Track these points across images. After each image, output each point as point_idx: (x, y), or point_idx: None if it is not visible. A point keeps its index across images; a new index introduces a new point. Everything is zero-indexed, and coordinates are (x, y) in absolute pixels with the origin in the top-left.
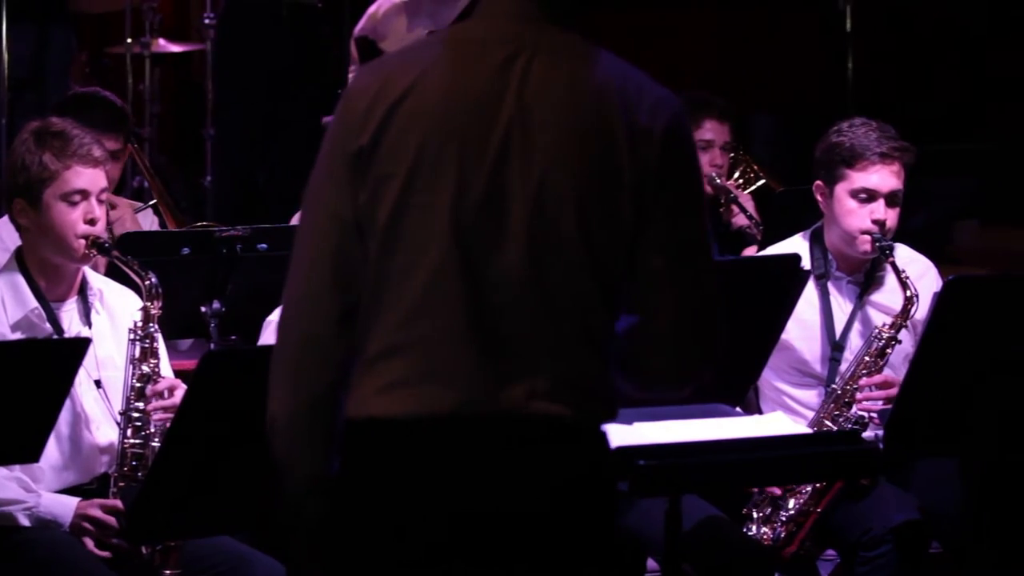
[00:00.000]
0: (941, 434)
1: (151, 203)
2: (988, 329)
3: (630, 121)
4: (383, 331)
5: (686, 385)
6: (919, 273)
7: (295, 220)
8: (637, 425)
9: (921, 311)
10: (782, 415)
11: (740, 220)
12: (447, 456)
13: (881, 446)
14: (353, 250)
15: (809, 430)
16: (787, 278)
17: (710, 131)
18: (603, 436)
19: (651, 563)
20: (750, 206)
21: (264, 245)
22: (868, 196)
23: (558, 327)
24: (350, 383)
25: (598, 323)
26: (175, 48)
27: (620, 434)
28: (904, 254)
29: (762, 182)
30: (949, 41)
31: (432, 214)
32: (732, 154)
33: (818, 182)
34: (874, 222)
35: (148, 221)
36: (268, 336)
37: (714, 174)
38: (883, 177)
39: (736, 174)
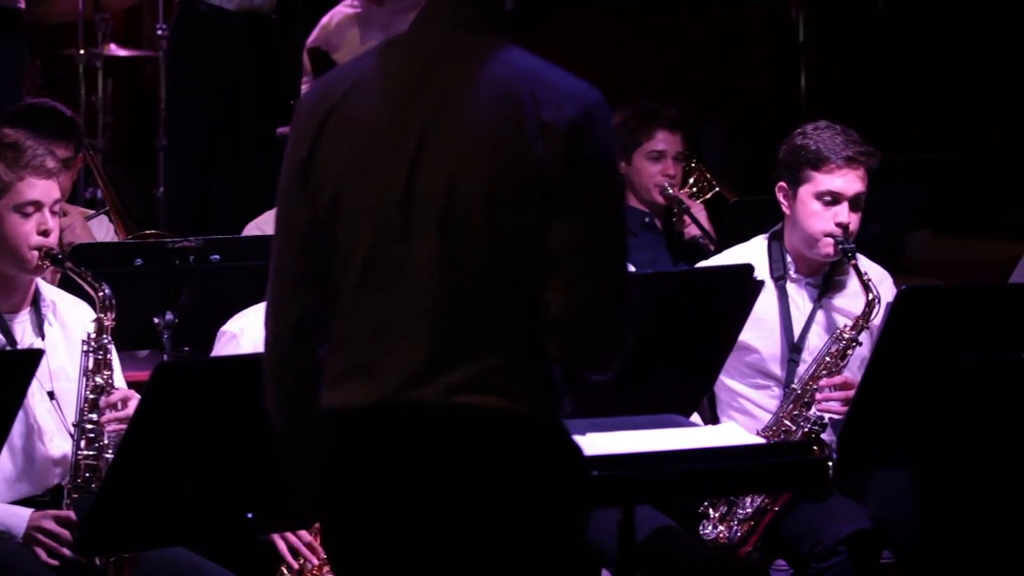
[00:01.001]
0: (894, 443)
1: (103, 210)
2: (940, 339)
3: (536, 117)
4: (334, 328)
5: (594, 372)
6: (876, 281)
7: (248, 231)
8: (590, 436)
9: (878, 318)
10: (735, 425)
11: (693, 230)
12: (372, 445)
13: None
14: (306, 258)
15: (762, 440)
16: (740, 288)
17: (662, 141)
18: (552, 427)
19: (605, 573)
20: (703, 216)
21: (217, 256)
22: (832, 199)
23: (476, 321)
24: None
25: (518, 316)
26: (125, 53)
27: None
28: (861, 263)
29: (716, 191)
30: (901, 50)
31: (359, 216)
32: (685, 164)
33: (781, 184)
34: (837, 225)
35: (102, 230)
36: (221, 347)
37: (666, 184)
38: (848, 181)
39: (690, 182)
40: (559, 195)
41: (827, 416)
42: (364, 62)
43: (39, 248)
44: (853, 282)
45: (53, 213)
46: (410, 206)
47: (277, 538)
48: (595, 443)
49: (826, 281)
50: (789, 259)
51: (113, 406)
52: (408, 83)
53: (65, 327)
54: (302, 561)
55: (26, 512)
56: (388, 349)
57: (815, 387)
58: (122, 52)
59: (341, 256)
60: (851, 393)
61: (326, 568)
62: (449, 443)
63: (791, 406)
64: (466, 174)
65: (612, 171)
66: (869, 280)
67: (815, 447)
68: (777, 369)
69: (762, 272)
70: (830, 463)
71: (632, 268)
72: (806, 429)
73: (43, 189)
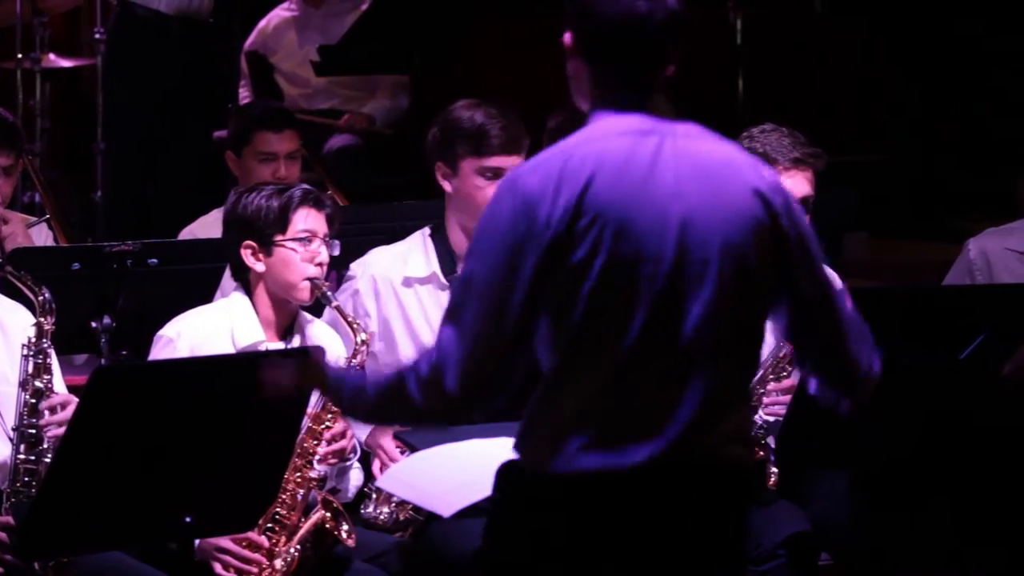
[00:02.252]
0: (831, 446)
1: (44, 218)
2: (878, 340)
3: (752, 183)
4: (593, 392)
5: None
6: None
7: (185, 234)
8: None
9: None
10: None
11: None
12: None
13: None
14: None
15: None
16: None
17: None
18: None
19: None
20: None
21: (154, 260)
22: None
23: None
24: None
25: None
26: (65, 63)
27: (510, 448)
28: None
29: None
30: (839, 52)
31: (632, 286)
32: None
33: None
34: None
35: (42, 236)
36: (158, 351)
37: None
38: (796, 183)
39: None
40: (784, 250)
41: (772, 419)
42: (592, 147)
43: None
44: None
45: None
46: (683, 274)
47: (213, 561)
48: None
49: None
50: None
51: (53, 410)
52: (646, 161)
53: (4, 331)
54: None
55: None
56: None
57: (762, 391)
58: (64, 63)
59: (609, 323)
60: None
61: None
62: (717, 495)
63: None
64: (728, 240)
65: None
66: None
67: (760, 451)
68: None
69: None
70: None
71: None
72: (752, 433)
73: None
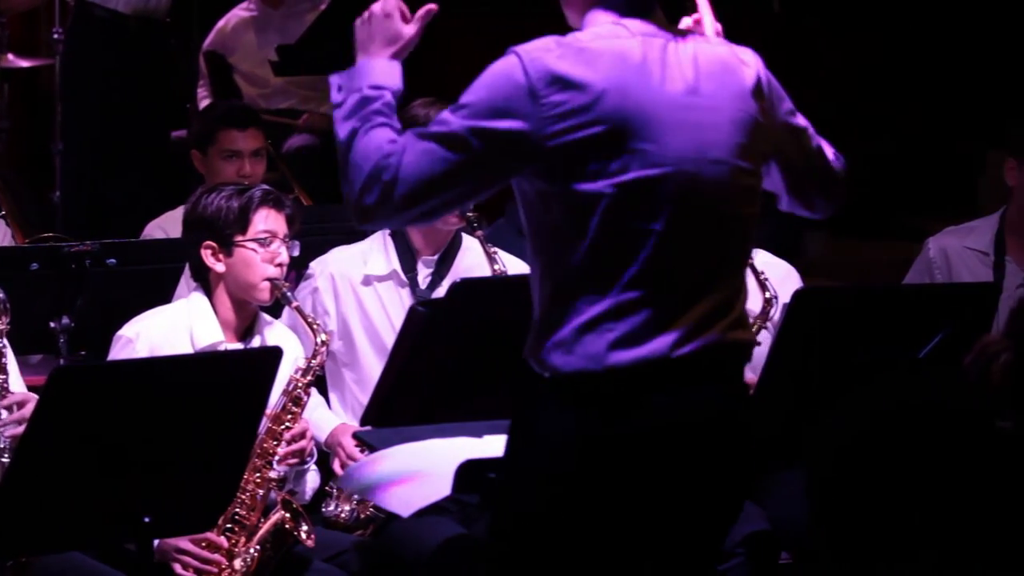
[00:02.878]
0: (791, 444)
1: (0, 215)
2: (837, 339)
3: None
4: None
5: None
6: (780, 277)
7: (145, 235)
8: (487, 438)
9: (777, 316)
10: None
11: None
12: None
13: None
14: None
15: None
16: None
17: None
18: None
19: None
20: None
21: (113, 260)
22: None
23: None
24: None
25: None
26: (24, 63)
27: (470, 447)
28: (763, 259)
29: None
30: (798, 51)
31: (655, 186)
32: None
33: None
34: None
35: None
36: (116, 352)
37: None
38: None
39: None
40: (771, 126)
41: None
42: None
43: None
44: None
45: None
46: (699, 173)
47: (172, 563)
48: (493, 446)
49: None
50: None
51: (10, 409)
52: (658, 60)
53: None
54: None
55: None
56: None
57: None
58: (23, 63)
59: (633, 223)
60: None
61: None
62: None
63: None
64: (735, 137)
65: None
66: (766, 279)
67: None
68: None
69: None
70: None
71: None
72: None
73: None
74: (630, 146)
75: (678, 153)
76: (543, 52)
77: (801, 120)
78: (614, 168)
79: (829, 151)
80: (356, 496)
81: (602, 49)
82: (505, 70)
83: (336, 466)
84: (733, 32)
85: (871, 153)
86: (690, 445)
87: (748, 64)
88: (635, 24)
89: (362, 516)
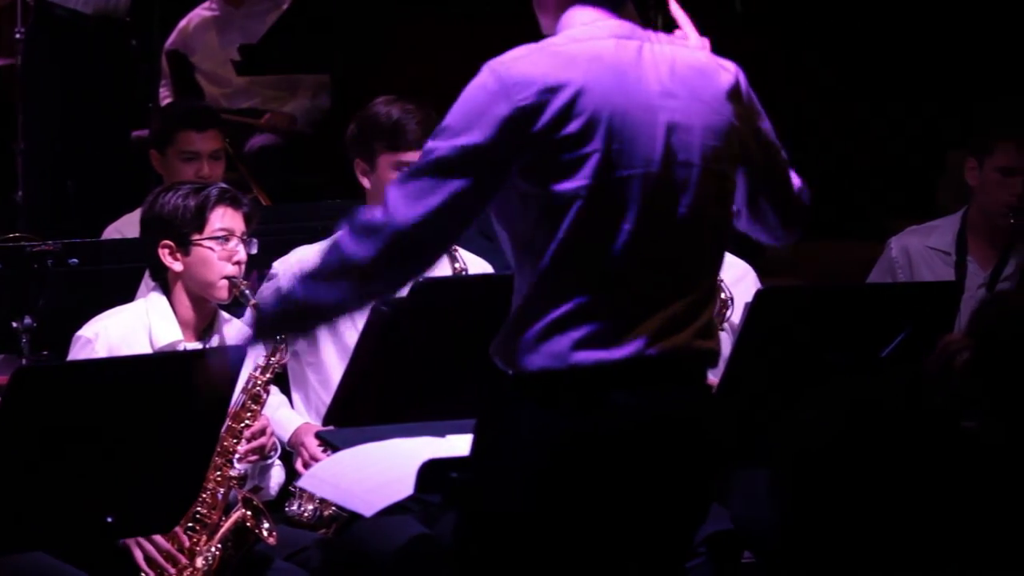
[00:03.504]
0: (751, 444)
1: None
2: (799, 340)
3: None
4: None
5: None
6: (737, 277)
7: (107, 234)
8: (450, 438)
9: (736, 317)
10: None
11: None
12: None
13: None
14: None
15: None
16: None
17: None
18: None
19: None
20: None
21: (75, 260)
22: None
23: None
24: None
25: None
26: None
27: (432, 447)
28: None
29: None
30: (762, 50)
31: (625, 188)
32: None
33: None
34: None
35: None
36: (76, 352)
37: None
38: None
39: None
40: (747, 139)
41: None
42: (582, 47)
43: None
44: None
45: None
46: (671, 176)
47: (134, 547)
48: (454, 445)
49: None
50: None
51: None
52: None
53: None
54: (159, 571)
55: None
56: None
57: None
58: None
59: (603, 224)
60: None
61: (186, 574)
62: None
63: None
64: (707, 140)
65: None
66: (721, 281)
67: None
68: None
69: None
70: None
71: (491, 270)
72: None
73: None
74: (603, 147)
75: (648, 155)
76: (515, 59)
77: (774, 139)
78: (587, 169)
79: (796, 180)
80: (319, 496)
81: (576, 52)
82: (479, 83)
83: (299, 466)
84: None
85: (833, 153)
86: (654, 446)
87: (727, 69)
88: (610, 25)
89: (325, 515)
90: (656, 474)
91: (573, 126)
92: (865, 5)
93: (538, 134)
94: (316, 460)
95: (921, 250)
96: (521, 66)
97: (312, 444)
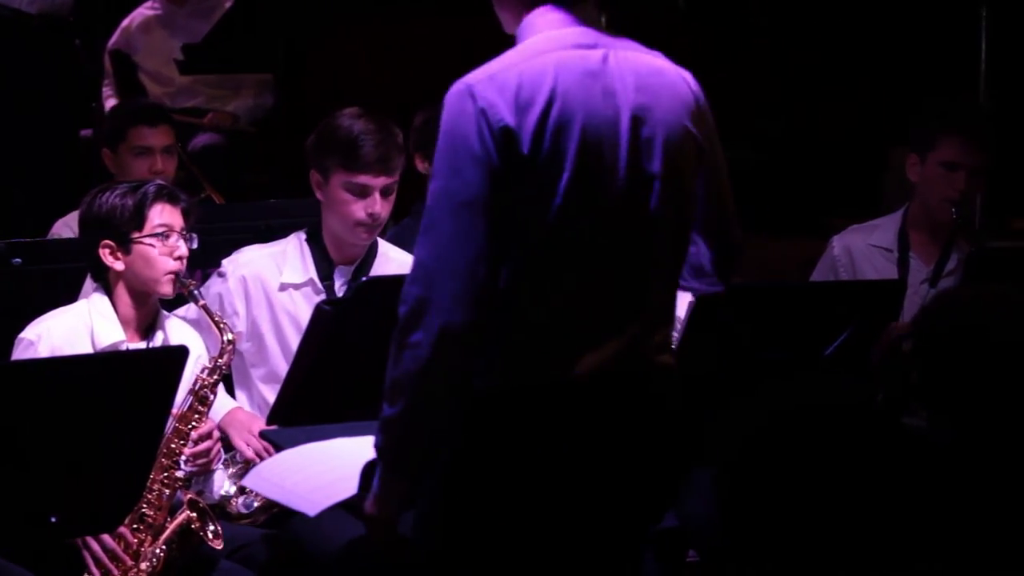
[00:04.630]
0: (697, 442)
1: None
2: (741, 337)
3: (689, 88)
4: (541, 306)
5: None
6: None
7: (52, 233)
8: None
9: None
10: None
11: None
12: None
13: None
14: (497, 243)
15: None
16: None
17: None
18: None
19: None
20: None
21: (19, 260)
22: None
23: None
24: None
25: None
26: None
27: (367, 448)
28: None
29: None
30: (702, 49)
31: (593, 201)
32: None
33: None
34: None
35: None
36: (19, 354)
37: None
38: None
39: None
40: (704, 154)
41: None
42: (542, 60)
43: None
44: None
45: None
46: (635, 189)
47: (82, 548)
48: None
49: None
50: None
51: None
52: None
53: None
54: (105, 571)
55: None
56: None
57: None
58: None
59: (571, 241)
60: None
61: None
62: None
63: None
64: (670, 150)
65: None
66: None
67: None
68: None
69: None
70: None
71: None
72: None
73: None
74: (574, 162)
75: (614, 167)
76: (488, 78)
77: (723, 170)
78: (560, 186)
79: (736, 227)
80: (264, 495)
81: (544, 65)
82: (456, 107)
83: (250, 453)
84: (639, 30)
85: (776, 150)
86: (608, 460)
87: (688, 80)
88: (574, 33)
89: (256, 505)
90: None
91: (547, 145)
92: (807, 2)
93: (519, 154)
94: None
95: (863, 248)
96: (491, 88)
97: (241, 443)
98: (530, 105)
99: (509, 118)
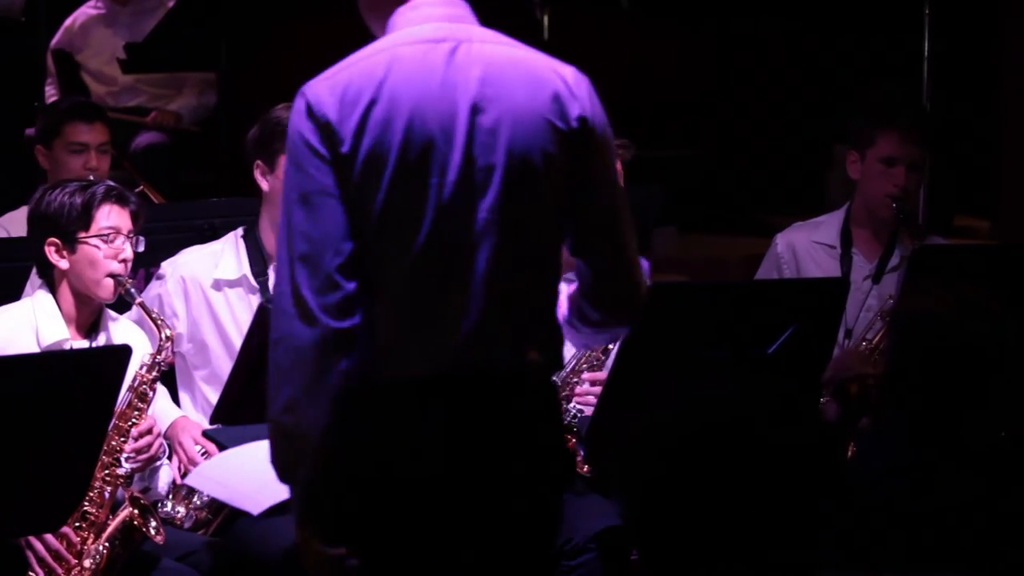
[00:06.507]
0: (641, 440)
1: None
2: (685, 336)
3: (557, 95)
4: (390, 304)
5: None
6: None
7: None
8: None
9: None
10: None
11: None
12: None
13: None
14: (349, 244)
15: None
16: None
17: None
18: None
19: None
20: None
21: None
22: None
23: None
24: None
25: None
26: None
27: None
28: None
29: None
30: (645, 48)
31: (420, 196)
32: None
33: None
34: None
35: None
36: None
37: None
38: None
39: None
40: (580, 154)
41: (584, 409)
42: (379, 57)
43: None
44: None
45: None
46: (470, 183)
47: (25, 547)
48: None
49: None
50: None
51: None
52: (441, 68)
53: None
54: (48, 570)
55: None
56: (454, 316)
57: (576, 380)
58: None
59: (400, 235)
60: None
61: (74, 573)
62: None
63: None
64: (515, 142)
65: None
66: None
67: (571, 439)
68: None
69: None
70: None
71: None
72: (565, 422)
73: None
74: (397, 158)
75: (444, 162)
76: (322, 79)
77: (611, 193)
78: (384, 182)
79: (645, 263)
80: (195, 498)
81: (376, 63)
82: (294, 107)
83: (175, 466)
84: (582, 29)
85: (720, 148)
86: (472, 459)
87: (565, 78)
88: (424, 30)
89: (199, 519)
90: (484, 486)
91: (368, 142)
92: (752, 2)
93: (340, 151)
94: (194, 462)
95: (807, 245)
96: (324, 86)
97: (189, 443)
98: (355, 103)
99: (332, 115)
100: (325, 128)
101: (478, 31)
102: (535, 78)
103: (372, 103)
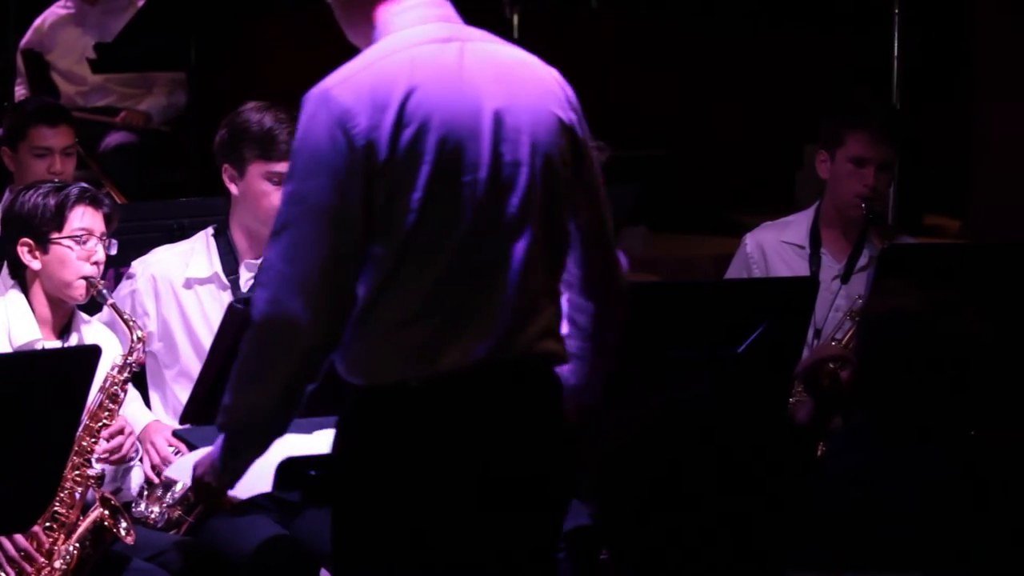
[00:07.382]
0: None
1: None
2: (656, 335)
3: (555, 82)
4: (417, 303)
5: None
6: None
7: None
8: (316, 434)
9: None
10: None
11: None
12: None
13: None
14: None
15: None
16: None
17: None
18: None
19: (324, 573)
20: None
21: None
22: None
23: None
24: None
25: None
26: None
27: (297, 444)
28: None
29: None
30: (615, 47)
31: (456, 195)
32: None
33: None
34: None
35: None
36: None
37: None
38: None
39: None
40: (578, 154)
41: None
42: (398, 58)
43: None
44: None
45: None
46: (501, 180)
47: None
48: (320, 442)
49: None
50: None
51: None
52: (452, 68)
53: None
54: (18, 570)
55: None
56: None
57: None
58: None
59: (433, 238)
60: None
61: (44, 574)
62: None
63: None
64: (536, 137)
65: None
66: None
67: None
68: None
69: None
70: None
71: None
72: None
73: None
74: (434, 159)
75: (476, 160)
76: (341, 84)
77: (596, 181)
78: (420, 182)
79: (624, 259)
80: (168, 497)
81: (398, 64)
82: (311, 115)
83: (147, 466)
84: (552, 28)
85: (690, 148)
86: (499, 446)
87: (556, 77)
88: (427, 31)
89: (172, 518)
90: (508, 472)
91: (404, 142)
92: (726, 3)
93: (377, 158)
94: (167, 461)
95: (776, 245)
96: (347, 91)
97: (162, 443)
98: (385, 107)
99: (365, 121)
100: (359, 137)
101: (472, 31)
102: (537, 77)
103: (403, 105)
